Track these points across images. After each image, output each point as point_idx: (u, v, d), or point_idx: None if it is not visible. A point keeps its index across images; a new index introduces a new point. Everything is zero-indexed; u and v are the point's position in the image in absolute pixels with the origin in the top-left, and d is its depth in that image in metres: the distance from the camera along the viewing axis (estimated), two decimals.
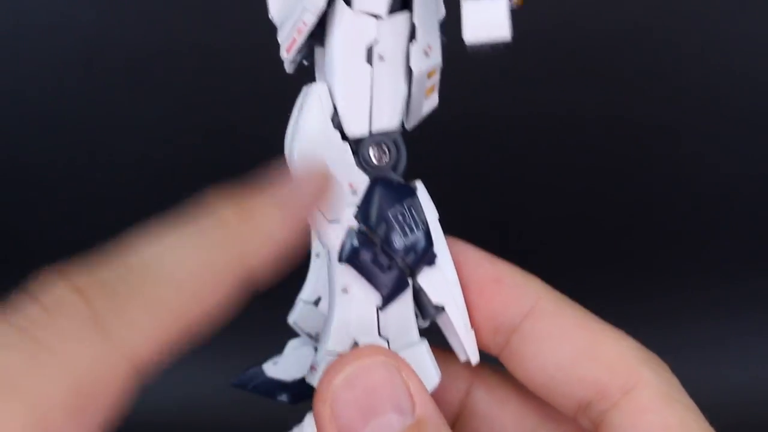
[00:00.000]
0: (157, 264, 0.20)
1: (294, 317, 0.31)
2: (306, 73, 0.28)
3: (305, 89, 0.28)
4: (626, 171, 0.67)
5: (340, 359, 0.25)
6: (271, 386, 0.31)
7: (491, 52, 0.25)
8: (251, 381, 0.31)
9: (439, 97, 0.28)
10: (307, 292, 0.31)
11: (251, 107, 0.63)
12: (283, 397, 0.30)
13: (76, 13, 0.63)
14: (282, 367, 0.31)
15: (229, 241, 0.21)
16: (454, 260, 0.27)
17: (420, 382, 0.25)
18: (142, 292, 0.19)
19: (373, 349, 0.25)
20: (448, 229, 0.28)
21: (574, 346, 0.26)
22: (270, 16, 0.27)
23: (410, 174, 0.28)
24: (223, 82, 0.64)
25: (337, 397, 0.24)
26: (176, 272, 0.20)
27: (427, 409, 0.24)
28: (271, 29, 0.29)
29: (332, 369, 0.24)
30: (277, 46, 0.28)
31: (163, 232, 0.21)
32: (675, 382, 0.27)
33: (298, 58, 0.28)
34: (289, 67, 0.28)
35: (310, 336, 0.31)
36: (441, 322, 0.28)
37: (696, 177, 0.68)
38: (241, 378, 0.31)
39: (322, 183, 0.24)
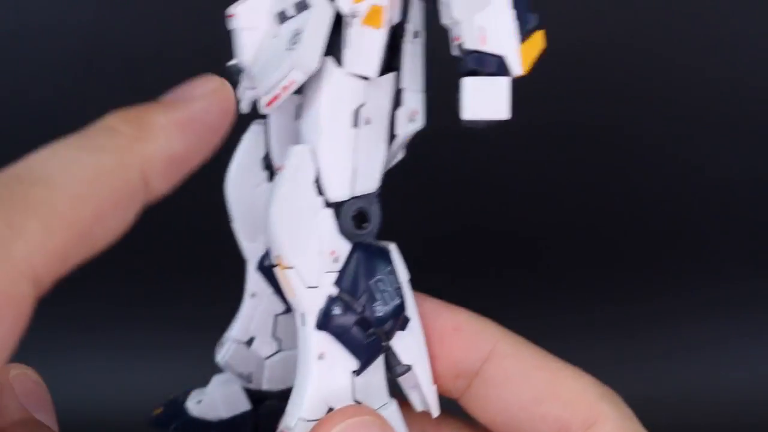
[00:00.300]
0: (46, 173, 0.19)
1: (225, 357, 0.30)
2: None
3: (254, 127, 0.28)
4: (626, 171, 0.67)
5: (326, 419, 0.25)
6: (194, 427, 0.30)
7: (485, 127, 0.25)
8: (173, 420, 0.30)
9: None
10: (238, 331, 0.30)
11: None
12: None
13: (76, 13, 0.63)
14: (207, 406, 0.30)
15: (121, 148, 0.21)
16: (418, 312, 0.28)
17: None
18: (32, 202, 0.19)
19: (357, 409, 0.25)
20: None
21: (534, 385, 0.27)
22: (239, 62, 0.27)
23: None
24: None
25: None
26: (67, 180, 0.19)
27: None
28: None
29: (320, 427, 0.25)
30: None
31: (59, 145, 0.20)
32: (631, 414, 0.28)
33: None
34: (246, 107, 0.27)
35: (241, 376, 0.30)
36: (403, 377, 0.28)
37: (696, 177, 0.68)
38: (161, 418, 0.30)
39: (220, 95, 0.23)
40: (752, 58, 0.66)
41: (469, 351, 0.28)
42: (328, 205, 0.25)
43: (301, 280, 0.25)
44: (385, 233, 0.27)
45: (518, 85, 0.27)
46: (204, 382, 0.31)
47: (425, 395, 0.27)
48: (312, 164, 0.25)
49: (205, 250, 0.68)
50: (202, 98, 0.23)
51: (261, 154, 0.29)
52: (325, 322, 0.25)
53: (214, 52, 0.70)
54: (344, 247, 0.26)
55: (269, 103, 0.25)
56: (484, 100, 0.25)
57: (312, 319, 0.25)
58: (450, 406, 0.29)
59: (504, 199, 0.67)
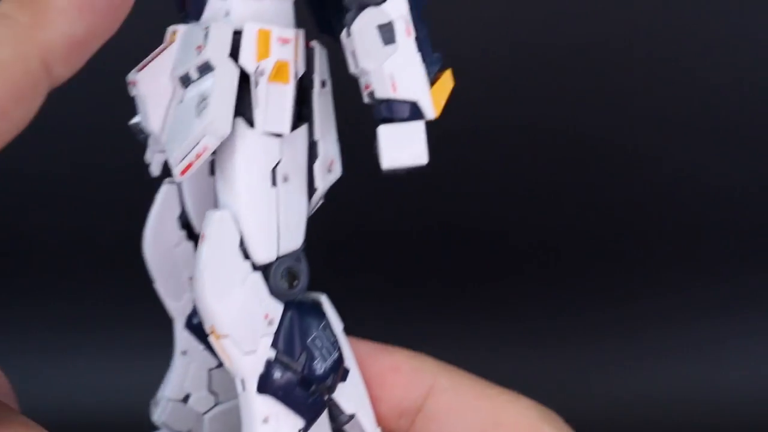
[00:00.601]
0: None
1: (162, 416, 0.29)
2: None
3: (165, 187, 0.28)
4: (625, 171, 0.67)
5: None
6: None
7: (405, 173, 0.25)
8: None
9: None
10: (172, 390, 0.30)
11: None
12: None
13: None
14: None
15: (18, 38, 0.20)
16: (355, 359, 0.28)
17: None
18: None
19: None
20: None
21: (476, 415, 0.27)
22: (149, 129, 0.26)
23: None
24: None
25: None
26: None
27: None
28: None
29: None
30: None
31: None
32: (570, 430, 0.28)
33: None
34: (157, 170, 0.27)
35: None
36: (347, 425, 0.28)
37: (695, 177, 0.68)
38: None
39: None
40: (750, 58, 0.66)
41: (409, 389, 0.28)
42: (256, 268, 0.25)
43: (237, 348, 0.24)
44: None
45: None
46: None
47: None
48: (234, 229, 0.24)
49: None
50: None
51: (176, 213, 0.29)
52: (266, 386, 0.25)
53: None
54: (277, 309, 0.25)
55: (183, 172, 0.24)
56: (402, 147, 0.24)
57: (252, 383, 0.25)
58: None
59: (504, 200, 0.67)
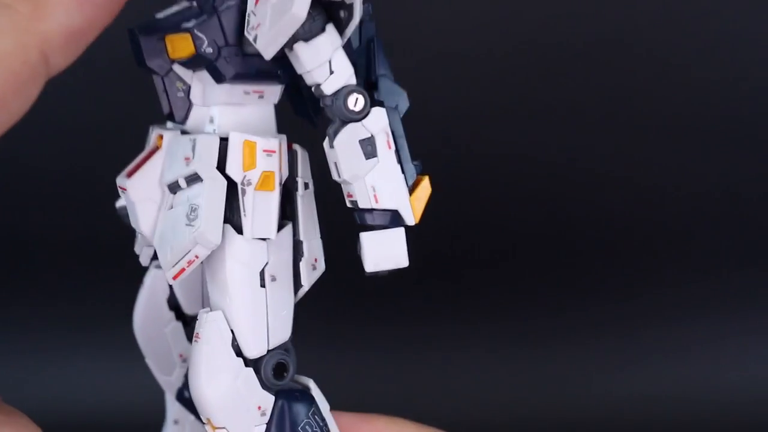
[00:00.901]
0: None
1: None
2: None
3: (153, 271, 0.29)
4: (626, 171, 0.67)
5: None
6: None
7: (387, 274, 0.26)
8: None
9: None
10: None
11: None
12: None
13: None
14: None
15: (19, 29, 0.20)
16: None
17: None
18: None
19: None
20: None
21: None
22: (139, 231, 0.27)
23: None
24: None
25: None
26: None
27: None
28: None
29: None
30: None
31: None
32: None
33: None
34: (145, 262, 0.29)
35: None
36: None
37: (695, 177, 0.68)
38: None
39: None
40: (746, 59, 0.66)
41: None
42: (248, 364, 0.26)
43: None
44: None
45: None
46: None
47: None
48: (227, 329, 0.26)
49: None
50: None
51: (165, 295, 0.30)
52: None
53: None
54: (268, 400, 0.26)
55: (175, 277, 0.25)
56: (384, 252, 0.26)
57: None
58: None
59: (504, 199, 0.67)
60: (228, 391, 0.26)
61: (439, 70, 0.60)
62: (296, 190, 0.27)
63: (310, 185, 0.28)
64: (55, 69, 0.21)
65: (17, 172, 0.65)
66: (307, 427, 0.27)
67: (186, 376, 0.29)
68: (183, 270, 0.25)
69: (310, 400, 0.27)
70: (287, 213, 0.27)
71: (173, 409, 0.31)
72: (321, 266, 0.28)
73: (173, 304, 0.30)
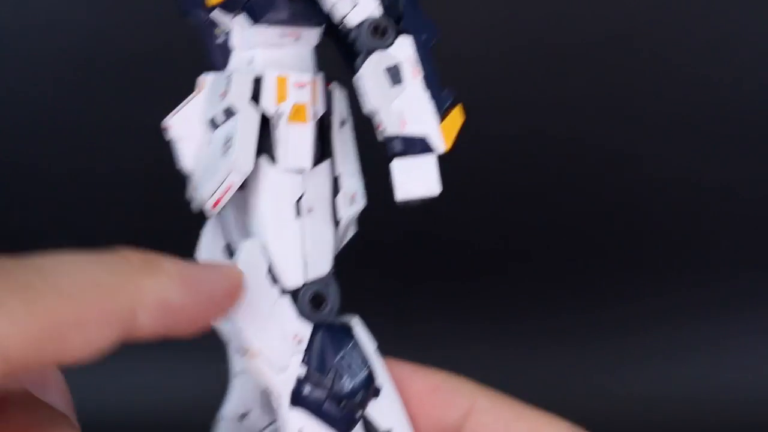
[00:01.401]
0: (47, 267, 0.20)
1: None
2: None
3: (211, 220, 0.29)
4: (626, 172, 0.67)
5: None
6: None
7: (420, 204, 0.26)
8: None
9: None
10: (230, 409, 0.31)
11: None
12: None
13: (76, 12, 0.63)
14: None
15: (123, 274, 0.21)
16: (391, 378, 0.29)
17: None
18: (22, 284, 0.19)
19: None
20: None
21: None
22: (181, 167, 0.28)
23: None
24: None
25: None
26: (62, 277, 0.20)
27: None
28: None
29: None
30: None
31: (69, 253, 0.21)
32: None
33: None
34: (196, 207, 0.28)
35: None
36: None
37: (696, 177, 0.68)
38: None
39: (234, 279, 0.24)
40: (750, 58, 0.66)
41: (448, 409, 0.28)
42: (284, 292, 0.26)
43: (269, 367, 0.26)
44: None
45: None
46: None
47: None
48: (263, 257, 0.26)
49: None
50: (217, 271, 0.24)
51: (222, 243, 0.30)
52: (297, 401, 0.27)
53: None
54: (305, 330, 0.27)
55: (213, 206, 0.26)
56: (415, 180, 0.26)
57: (286, 399, 0.26)
58: None
59: (504, 199, 0.67)
60: (264, 318, 0.26)
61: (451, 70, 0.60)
62: (331, 125, 0.28)
63: (348, 122, 0.28)
64: (136, 331, 0.22)
65: (18, 172, 0.65)
66: (344, 360, 0.27)
67: None
68: (220, 200, 0.26)
69: (350, 336, 0.27)
70: (325, 152, 0.28)
71: (236, 360, 0.31)
72: (359, 201, 0.28)
73: (230, 252, 0.30)
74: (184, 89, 0.29)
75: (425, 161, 0.26)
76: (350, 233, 0.29)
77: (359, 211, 0.28)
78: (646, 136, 0.67)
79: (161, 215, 0.68)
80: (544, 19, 0.64)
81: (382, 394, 0.28)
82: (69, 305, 0.20)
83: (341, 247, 0.29)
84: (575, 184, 0.67)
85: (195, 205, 0.28)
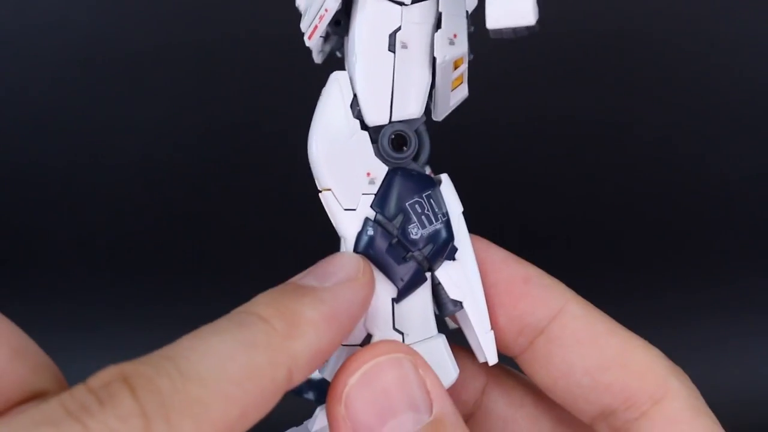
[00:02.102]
0: (202, 368, 0.19)
1: (316, 427, 0.29)
2: (326, 68, 0.28)
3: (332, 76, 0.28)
4: (626, 172, 0.67)
5: (355, 356, 0.24)
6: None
7: (513, 37, 0.25)
8: None
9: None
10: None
11: (252, 106, 0.63)
12: (310, 395, 0.29)
13: (76, 12, 0.63)
14: None
15: (273, 346, 0.21)
16: (481, 259, 0.27)
17: (437, 379, 0.24)
18: (188, 400, 0.19)
19: (389, 345, 0.24)
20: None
21: (603, 352, 0.26)
22: (297, 5, 0.27)
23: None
24: (223, 81, 0.63)
25: (352, 397, 0.23)
26: (221, 378, 0.20)
27: (444, 407, 0.24)
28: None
29: (347, 367, 0.24)
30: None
31: (211, 333, 0.21)
32: (699, 395, 0.26)
33: (327, 49, 0.28)
34: (317, 57, 0.28)
35: None
36: (461, 319, 0.27)
37: (696, 177, 0.68)
38: None
39: (366, 290, 0.24)
40: (750, 59, 0.66)
41: (537, 306, 0.27)
42: (365, 128, 0.26)
43: (338, 202, 0.25)
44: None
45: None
46: None
47: (479, 339, 0.27)
48: (348, 88, 0.26)
49: (206, 252, 0.68)
50: (346, 287, 0.23)
51: (348, 100, 0.29)
52: (360, 244, 0.25)
53: (214, 50, 0.70)
54: (380, 169, 0.26)
55: (310, 36, 0.26)
56: (509, 6, 0.25)
57: (351, 243, 0.25)
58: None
59: (504, 197, 0.67)
60: (339, 149, 0.25)
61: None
62: None
63: None
64: (293, 385, 0.22)
65: (17, 172, 0.65)
66: (417, 205, 0.26)
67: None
68: (316, 28, 0.26)
69: (432, 184, 0.26)
70: None
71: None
72: (461, 45, 0.27)
73: (357, 113, 0.29)
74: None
75: None
76: (460, 95, 0.28)
77: (459, 56, 0.27)
78: (646, 138, 0.67)
79: (161, 214, 0.68)
80: (562, 9, 0.64)
81: (459, 257, 0.26)
82: (232, 406, 0.19)
83: (452, 107, 0.28)
84: (575, 185, 0.67)
85: (317, 57, 0.28)
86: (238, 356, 0.20)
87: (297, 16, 0.28)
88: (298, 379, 0.21)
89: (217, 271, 0.67)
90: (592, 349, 0.26)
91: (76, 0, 0.63)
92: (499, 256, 0.27)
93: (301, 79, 0.28)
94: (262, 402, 0.20)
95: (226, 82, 0.63)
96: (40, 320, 0.68)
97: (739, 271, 0.69)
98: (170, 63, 0.63)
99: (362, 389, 0.23)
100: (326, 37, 0.27)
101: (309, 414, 0.27)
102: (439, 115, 0.27)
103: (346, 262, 0.24)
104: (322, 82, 0.27)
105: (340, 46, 0.28)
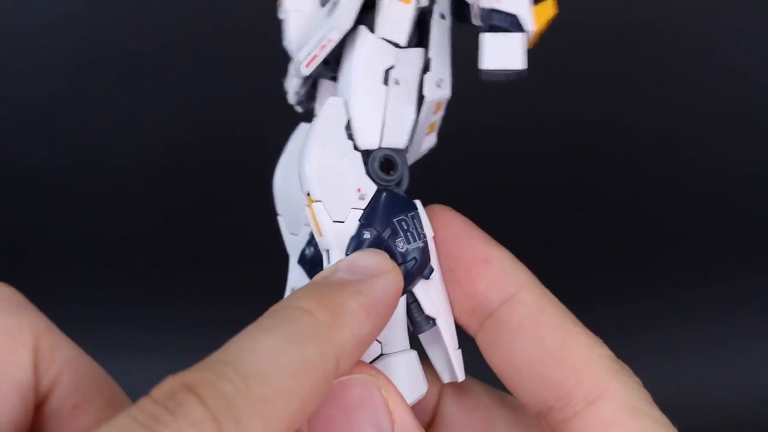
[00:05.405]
0: (259, 367, 0.20)
1: None
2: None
3: (302, 126, 0.30)
4: (626, 172, 0.67)
5: None
6: None
7: (504, 80, 0.27)
8: None
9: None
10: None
11: (252, 106, 0.63)
12: None
13: (76, 12, 0.63)
14: None
15: (320, 337, 0.21)
16: (448, 234, 0.28)
17: (400, 397, 0.25)
18: (253, 399, 0.19)
19: (358, 366, 0.25)
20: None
21: (544, 344, 0.26)
22: (286, 44, 0.29)
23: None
24: (223, 81, 0.64)
25: (315, 416, 0.24)
26: (279, 374, 0.20)
27: (406, 426, 0.24)
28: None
29: None
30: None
31: (259, 332, 0.21)
32: (645, 395, 0.26)
33: (302, 92, 0.30)
34: (293, 99, 0.30)
35: None
36: (429, 337, 0.28)
37: (696, 177, 0.68)
38: None
39: (399, 281, 0.24)
40: (751, 59, 0.66)
41: (491, 288, 0.27)
42: (357, 150, 0.27)
43: (327, 214, 0.26)
44: None
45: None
46: None
47: (449, 355, 0.28)
48: (343, 112, 0.27)
49: (206, 252, 0.68)
50: (381, 279, 0.24)
51: (343, 123, 0.30)
52: (358, 247, 0.26)
53: (214, 51, 0.70)
54: (370, 187, 0.27)
55: (308, 64, 0.27)
56: (501, 52, 0.27)
57: (337, 255, 0.26)
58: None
59: (503, 196, 0.67)
60: (332, 165, 0.27)
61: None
62: (431, 15, 0.29)
63: (447, 18, 0.30)
64: (341, 374, 0.22)
65: (18, 172, 0.65)
66: (403, 222, 0.27)
67: (311, 234, 0.30)
68: (315, 57, 0.27)
69: (413, 207, 0.28)
70: (422, 41, 0.29)
71: (294, 273, 0.31)
72: (446, 89, 0.29)
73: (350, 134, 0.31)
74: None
75: (514, 38, 0.27)
76: (429, 142, 0.30)
77: (444, 99, 0.29)
78: (645, 138, 0.67)
79: (161, 214, 0.68)
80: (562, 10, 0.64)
81: (433, 278, 0.28)
82: (294, 401, 0.20)
83: (421, 154, 0.30)
84: (574, 185, 0.67)
85: (290, 98, 0.30)
86: (290, 351, 0.21)
87: None
88: (344, 368, 0.22)
89: (218, 271, 0.67)
90: (533, 339, 0.26)
91: (76, 0, 0.63)
92: (468, 233, 0.28)
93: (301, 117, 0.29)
94: (317, 392, 0.21)
95: (227, 82, 0.64)
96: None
97: (738, 271, 0.69)
98: (170, 63, 0.63)
99: (325, 408, 0.24)
100: (307, 78, 0.29)
101: None
102: (410, 158, 0.29)
103: (374, 256, 0.25)
104: None
105: (310, 97, 0.30)
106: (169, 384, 0.19)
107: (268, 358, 0.20)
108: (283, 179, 0.31)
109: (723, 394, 0.66)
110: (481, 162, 0.66)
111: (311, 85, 0.30)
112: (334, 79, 0.29)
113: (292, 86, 0.30)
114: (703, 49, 0.65)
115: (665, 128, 0.67)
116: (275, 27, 0.29)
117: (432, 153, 0.30)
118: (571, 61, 0.65)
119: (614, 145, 0.67)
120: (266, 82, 0.62)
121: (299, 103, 0.31)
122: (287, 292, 0.30)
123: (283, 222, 0.31)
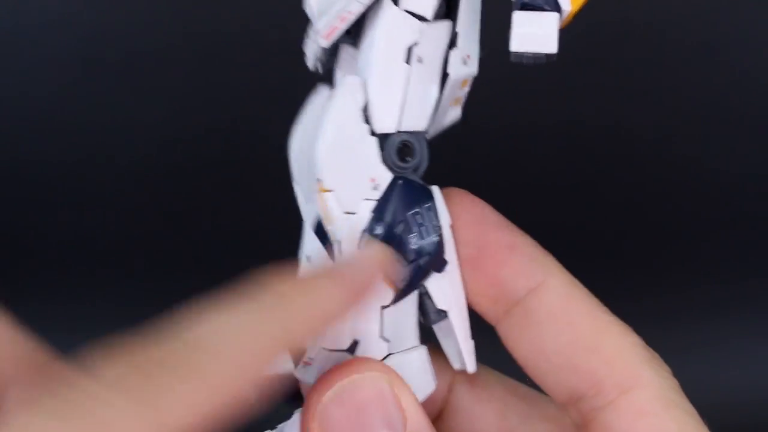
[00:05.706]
0: (212, 341, 0.19)
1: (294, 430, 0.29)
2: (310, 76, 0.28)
3: (320, 89, 0.28)
4: (625, 171, 0.67)
5: (330, 373, 0.24)
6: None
7: (532, 62, 0.25)
8: None
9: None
10: None
11: (252, 106, 0.63)
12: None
13: (76, 11, 0.63)
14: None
15: (286, 315, 0.20)
16: (470, 219, 0.27)
17: (411, 395, 0.24)
18: (193, 368, 0.19)
19: (364, 362, 0.24)
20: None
21: (575, 332, 0.25)
22: (306, 6, 0.27)
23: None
24: (224, 81, 0.63)
25: (326, 415, 0.23)
26: (231, 349, 0.19)
27: (418, 423, 0.24)
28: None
29: (321, 383, 0.24)
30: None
31: (218, 305, 0.20)
32: (676, 385, 0.26)
33: (324, 58, 0.28)
34: (311, 63, 0.28)
35: None
36: (438, 327, 0.27)
37: (695, 177, 0.68)
38: None
39: (381, 259, 0.24)
40: (751, 58, 0.66)
41: (518, 275, 0.26)
42: (374, 135, 0.26)
43: (338, 204, 0.25)
44: None
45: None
46: None
47: (461, 348, 0.27)
48: (361, 93, 0.26)
49: (206, 252, 0.68)
50: (361, 258, 0.23)
51: (360, 104, 0.29)
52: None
53: (215, 51, 0.70)
54: (385, 176, 0.26)
55: (327, 35, 0.26)
56: (532, 32, 0.25)
57: (348, 246, 0.25)
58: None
59: (503, 196, 0.67)
60: (345, 152, 0.25)
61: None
62: None
63: None
64: (304, 349, 0.22)
65: (17, 172, 0.65)
66: (417, 216, 0.26)
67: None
68: (335, 29, 0.25)
69: (430, 197, 0.26)
70: (451, 13, 0.27)
71: (308, 244, 0.29)
72: (472, 66, 0.27)
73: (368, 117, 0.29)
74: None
75: (548, 18, 0.25)
76: (452, 115, 0.28)
77: (470, 76, 0.27)
78: (645, 138, 0.67)
79: (161, 214, 0.68)
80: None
81: (447, 270, 0.26)
82: (241, 373, 0.19)
83: (444, 126, 0.28)
84: (574, 185, 0.67)
85: (309, 62, 0.28)
86: (251, 328, 0.20)
87: (298, 16, 0.28)
88: (308, 343, 0.22)
89: (218, 271, 0.67)
90: (564, 327, 0.25)
91: (76, 0, 0.63)
92: (491, 218, 0.27)
93: (303, 80, 0.28)
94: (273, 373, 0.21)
95: (227, 82, 0.63)
96: (40, 320, 0.68)
97: (738, 271, 0.69)
98: (170, 63, 0.63)
99: (337, 407, 0.23)
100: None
101: (285, 418, 0.27)
102: (431, 132, 0.28)
103: (371, 247, 0.24)
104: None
105: (329, 59, 0.28)
106: (110, 361, 0.19)
107: (225, 335, 0.19)
108: (300, 146, 0.28)
109: (723, 394, 0.66)
110: (481, 162, 0.66)
111: (331, 52, 0.28)
112: (356, 44, 0.27)
113: (311, 51, 0.28)
114: (703, 49, 0.65)
115: (665, 128, 0.67)
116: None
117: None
118: (571, 61, 0.65)
119: (614, 145, 0.67)
120: (266, 82, 0.62)
121: (318, 67, 0.29)
122: (302, 260, 0.29)
123: (299, 190, 0.29)
